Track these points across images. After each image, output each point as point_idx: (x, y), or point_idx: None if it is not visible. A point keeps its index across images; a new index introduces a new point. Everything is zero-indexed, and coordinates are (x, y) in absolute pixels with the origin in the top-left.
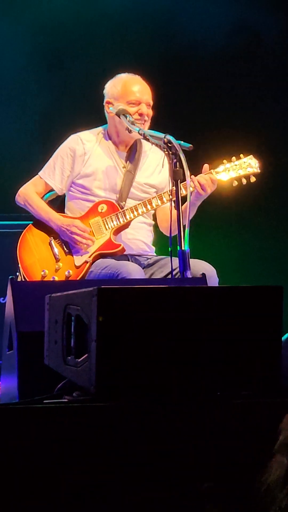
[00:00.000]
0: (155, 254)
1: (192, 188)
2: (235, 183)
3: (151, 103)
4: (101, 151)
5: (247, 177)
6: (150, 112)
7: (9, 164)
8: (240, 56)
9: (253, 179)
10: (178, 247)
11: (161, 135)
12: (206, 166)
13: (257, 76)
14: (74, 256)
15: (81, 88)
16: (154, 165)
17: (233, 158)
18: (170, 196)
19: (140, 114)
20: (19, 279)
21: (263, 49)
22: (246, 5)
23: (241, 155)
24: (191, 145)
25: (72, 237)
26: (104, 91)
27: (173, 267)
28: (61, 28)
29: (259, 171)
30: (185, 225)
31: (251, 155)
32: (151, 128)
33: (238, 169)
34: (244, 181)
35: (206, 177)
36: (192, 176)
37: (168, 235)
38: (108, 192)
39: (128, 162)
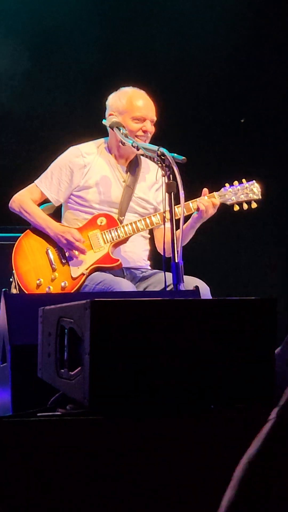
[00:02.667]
0: (150, 268)
1: (185, 211)
2: (236, 208)
3: (155, 119)
4: (101, 164)
5: (249, 202)
6: (153, 129)
7: (2, 177)
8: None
9: (254, 205)
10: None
11: (155, 147)
12: (205, 190)
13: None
14: (70, 267)
15: (79, 99)
16: (153, 181)
17: (235, 182)
18: (164, 215)
19: (144, 131)
20: (12, 286)
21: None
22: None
23: (243, 180)
24: (184, 157)
25: (66, 244)
26: (107, 103)
27: (167, 282)
28: (61, 31)
29: (261, 197)
30: (178, 238)
31: (254, 181)
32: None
33: (240, 194)
34: (245, 206)
35: (209, 201)
36: (196, 199)
37: (166, 255)
38: (107, 205)
39: (128, 176)
